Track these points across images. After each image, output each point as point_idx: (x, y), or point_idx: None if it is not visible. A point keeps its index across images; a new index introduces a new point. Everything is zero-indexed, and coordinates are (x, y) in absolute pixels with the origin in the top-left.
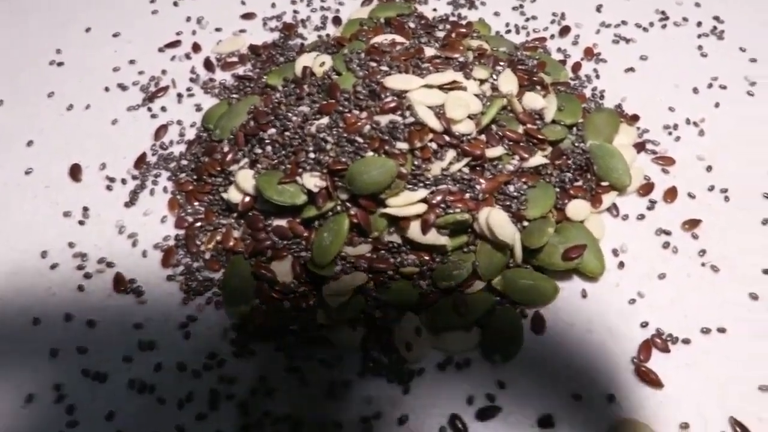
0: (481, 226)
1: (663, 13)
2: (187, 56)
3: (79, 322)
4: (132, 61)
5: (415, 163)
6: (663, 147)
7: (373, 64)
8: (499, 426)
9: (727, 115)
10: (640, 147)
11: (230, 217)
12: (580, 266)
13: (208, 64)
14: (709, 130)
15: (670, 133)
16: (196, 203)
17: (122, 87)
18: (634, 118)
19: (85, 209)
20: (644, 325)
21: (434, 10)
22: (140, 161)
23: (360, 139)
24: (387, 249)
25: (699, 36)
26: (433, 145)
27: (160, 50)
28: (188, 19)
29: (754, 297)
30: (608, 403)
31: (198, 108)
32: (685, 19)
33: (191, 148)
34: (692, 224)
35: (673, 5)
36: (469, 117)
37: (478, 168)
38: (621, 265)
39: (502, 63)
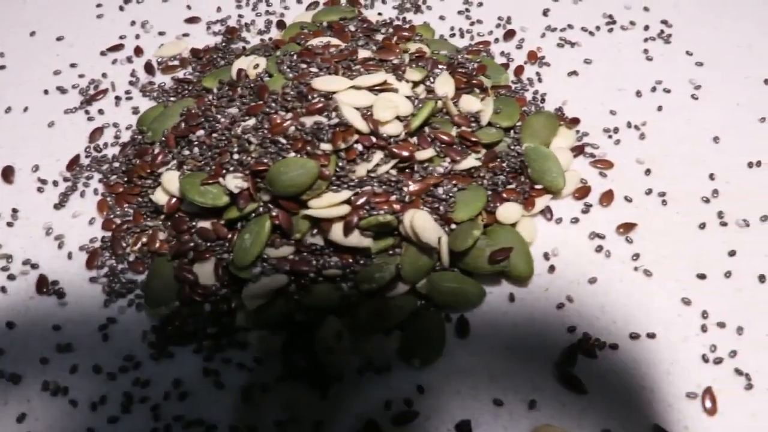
0: (405, 229)
1: (610, 17)
2: (129, 60)
3: None
4: (73, 65)
5: (340, 164)
6: (602, 150)
7: (304, 66)
8: (415, 431)
9: (669, 118)
10: (578, 150)
11: (158, 219)
12: (507, 270)
13: (148, 68)
14: (650, 134)
15: (610, 137)
16: (125, 205)
17: (61, 90)
18: (574, 122)
19: (15, 211)
20: (571, 330)
21: (379, 14)
22: (73, 163)
23: (283, 140)
24: (310, 251)
25: (645, 40)
26: (359, 147)
27: (102, 54)
28: (133, 23)
29: (686, 302)
30: (529, 409)
31: (135, 111)
32: (632, 23)
33: (124, 151)
34: (627, 228)
35: (622, 9)
36: (399, 119)
37: (407, 170)
38: (551, 269)
39: (441, 66)
